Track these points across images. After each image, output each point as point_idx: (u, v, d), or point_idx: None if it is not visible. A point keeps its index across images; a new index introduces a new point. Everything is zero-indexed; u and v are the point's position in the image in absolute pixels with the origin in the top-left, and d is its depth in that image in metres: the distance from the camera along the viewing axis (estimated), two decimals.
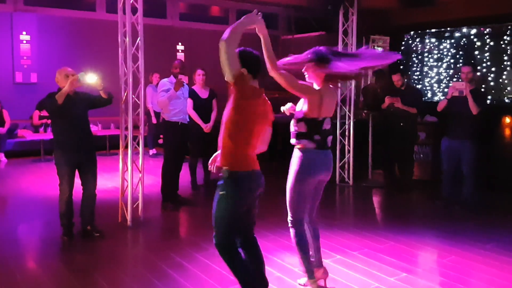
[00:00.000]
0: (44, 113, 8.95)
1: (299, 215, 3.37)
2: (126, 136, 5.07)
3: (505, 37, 8.15)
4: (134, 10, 4.97)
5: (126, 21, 4.94)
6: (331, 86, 3.36)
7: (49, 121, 8.87)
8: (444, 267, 4.02)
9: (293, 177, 3.31)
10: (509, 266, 4.02)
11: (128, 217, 5.04)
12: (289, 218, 3.39)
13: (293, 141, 3.35)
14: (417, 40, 9.46)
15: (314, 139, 3.27)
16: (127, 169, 5.09)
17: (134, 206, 5.14)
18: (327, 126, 3.33)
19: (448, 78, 8.93)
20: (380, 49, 10.78)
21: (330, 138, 3.38)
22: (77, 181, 4.60)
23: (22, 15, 9.61)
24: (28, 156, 9.19)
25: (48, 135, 8.75)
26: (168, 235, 5.02)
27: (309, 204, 3.45)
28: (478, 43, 8.51)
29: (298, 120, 3.31)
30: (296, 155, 3.34)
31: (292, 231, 3.39)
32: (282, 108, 3.55)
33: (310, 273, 3.40)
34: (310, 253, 3.46)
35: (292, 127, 3.36)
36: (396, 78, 6.57)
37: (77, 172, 4.59)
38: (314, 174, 3.31)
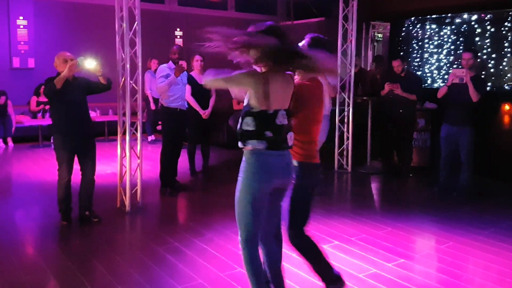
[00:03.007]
0: (42, 98, 8.92)
1: (250, 233, 2.66)
2: (124, 122, 5.05)
3: (506, 23, 8.07)
4: None
5: (123, 5, 4.89)
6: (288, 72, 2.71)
7: (47, 107, 8.86)
8: (442, 253, 4.04)
9: (240, 186, 2.65)
10: (506, 252, 4.04)
11: (127, 203, 5.05)
12: (239, 237, 2.71)
13: (239, 144, 2.66)
14: (418, 26, 9.37)
15: (265, 137, 2.59)
16: (125, 155, 5.08)
17: (133, 191, 5.14)
18: (283, 121, 2.63)
19: (448, 65, 8.88)
20: (380, 35, 10.72)
21: (290, 135, 2.69)
22: (76, 166, 4.59)
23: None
24: (26, 141, 9.16)
25: (46, 121, 8.72)
26: (166, 221, 5.04)
27: (264, 220, 2.72)
28: (479, 30, 8.44)
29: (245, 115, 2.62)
30: (244, 160, 2.66)
31: (242, 253, 2.70)
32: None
33: None
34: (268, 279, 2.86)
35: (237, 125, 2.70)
36: (396, 64, 6.53)
37: (76, 158, 4.58)
38: (265, 182, 2.62)
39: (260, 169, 2.60)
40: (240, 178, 2.65)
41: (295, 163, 2.82)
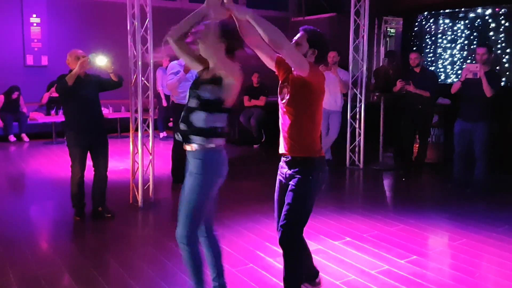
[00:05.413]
0: (54, 94, 8.99)
1: (196, 230, 2.92)
2: (136, 119, 5.09)
3: None
4: None
5: (135, 2, 4.91)
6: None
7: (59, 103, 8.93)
8: (455, 250, 4.00)
9: (199, 181, 2.84)
10: None
11: (139, 198, 5.08)
12: (185, 234, 2.87)
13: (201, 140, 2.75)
14: (431, 21, 9.27)
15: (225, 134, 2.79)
16: (137, 152, 5.12)
17: (145, 187, 5.18)
18: None
19: (462, 60, 8.77)
20: (393, 30, 10.62)
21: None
22: (89, 162, 4.64)
23: None
24: (40, 138, 9.27)
25: (60, 118, 8.81)
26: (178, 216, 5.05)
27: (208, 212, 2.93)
28: (493, 24, 8.32)
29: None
30: (201, 156, 2.82)
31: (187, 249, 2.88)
32: None
33: None
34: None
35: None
36: (413, 56, 6.40)
37: (89, 154, 4.62)
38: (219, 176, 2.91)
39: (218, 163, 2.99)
40: (198, 174, 2.88)
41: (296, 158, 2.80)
